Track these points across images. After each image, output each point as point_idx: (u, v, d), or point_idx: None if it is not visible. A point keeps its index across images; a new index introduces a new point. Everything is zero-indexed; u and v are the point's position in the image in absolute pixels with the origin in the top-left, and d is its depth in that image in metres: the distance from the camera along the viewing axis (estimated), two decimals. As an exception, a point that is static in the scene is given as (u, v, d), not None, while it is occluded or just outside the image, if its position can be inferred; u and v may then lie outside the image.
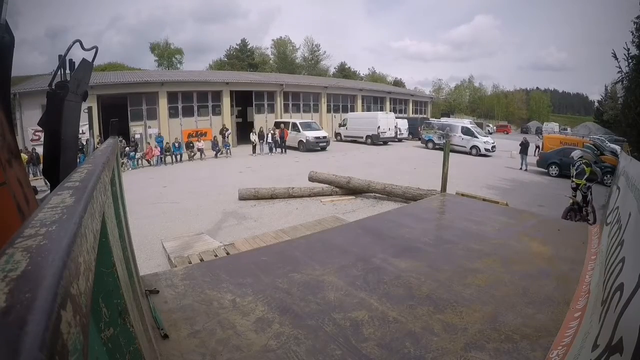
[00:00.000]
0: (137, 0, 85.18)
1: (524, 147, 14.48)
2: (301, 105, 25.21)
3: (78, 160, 3.03)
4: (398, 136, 22.48)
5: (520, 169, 14.10)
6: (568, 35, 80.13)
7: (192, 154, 16.90)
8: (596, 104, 47.27)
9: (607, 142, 19.57)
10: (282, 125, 18.84)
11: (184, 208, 7.94)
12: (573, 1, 77.34)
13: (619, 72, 8.61)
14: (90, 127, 8.89)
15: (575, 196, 6.14)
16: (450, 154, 6.49)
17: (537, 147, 14.12)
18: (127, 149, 15.10)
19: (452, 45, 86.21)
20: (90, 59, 2.29)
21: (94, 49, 2.30)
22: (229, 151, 17.79)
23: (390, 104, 30.87)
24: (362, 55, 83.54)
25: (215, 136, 18.71)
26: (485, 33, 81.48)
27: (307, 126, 19.73)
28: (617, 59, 8.49)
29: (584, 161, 6.22)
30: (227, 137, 18.54)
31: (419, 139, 21.52)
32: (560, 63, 77.28)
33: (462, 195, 5.86)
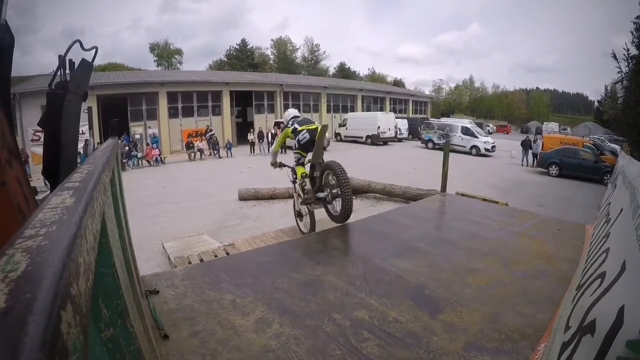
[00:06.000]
0: (158, 3, 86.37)
1: (525, 145, 15.61)
2: (301, 105, 25.21)
3: (78, 160, 3.02)
4: (398, 136, 22.45)
5: (522, 165, 15.14)
6: (567, 36, 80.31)
7: (192, 154, 16.90)
8: (596, 104, 47.28)
9: (607, 142, 19.61)
10: (282, 125, 18.83)
11: (184, 208, 7.94)
12: (568, 3, 77.43)
13: (618, 72, 8.63)
14: (90, 127, 8.88)
15: None
16: (450, 154, 6.49)
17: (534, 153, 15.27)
18: (127, 148, 15.10)
19: (447, 48, 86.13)
20: (90, 59, 2.29)
21: (94, 49, 2.30)
22: (217, 152, 17.61)
23: (390, 104, 30.86)
24: (361, 57, 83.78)
25: (215, 136, 18.71)
26: (482, 36, 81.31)
27: (307, 126, 19.69)
28: (616, 59, 8.51)
29: None
30: (211, 138, 17.98)
31: (419, 139, 21.53)
32: (559, 64, 77.33)
33: (462, 195, 5.86)
